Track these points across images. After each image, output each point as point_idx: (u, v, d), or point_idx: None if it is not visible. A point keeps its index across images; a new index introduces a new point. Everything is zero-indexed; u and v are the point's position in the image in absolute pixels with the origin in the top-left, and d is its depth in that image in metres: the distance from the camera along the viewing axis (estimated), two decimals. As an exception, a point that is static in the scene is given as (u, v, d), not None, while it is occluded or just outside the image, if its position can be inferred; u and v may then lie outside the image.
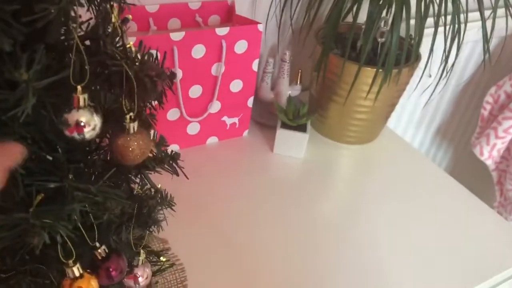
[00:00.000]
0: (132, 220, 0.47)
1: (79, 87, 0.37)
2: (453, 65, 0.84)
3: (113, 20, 0.38)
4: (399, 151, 1.03)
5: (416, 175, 0.96)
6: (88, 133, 0.39)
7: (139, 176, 0.49)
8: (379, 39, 0.93)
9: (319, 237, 0.78)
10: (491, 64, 1.04)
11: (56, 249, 0.41)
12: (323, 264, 0.74)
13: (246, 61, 0.89)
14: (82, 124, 0.38)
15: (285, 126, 0.94)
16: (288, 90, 1.03)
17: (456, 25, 0.81)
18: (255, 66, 0.91)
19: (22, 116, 0.33)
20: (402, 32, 0.84)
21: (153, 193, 0.52)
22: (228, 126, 0.96)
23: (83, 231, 0.42)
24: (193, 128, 0.92)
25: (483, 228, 0.85)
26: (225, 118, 0.94)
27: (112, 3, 0.37)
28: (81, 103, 0.38)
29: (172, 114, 0.87)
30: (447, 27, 0.83)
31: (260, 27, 0.86)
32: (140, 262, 0.51)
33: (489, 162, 1.22)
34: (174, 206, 0.64)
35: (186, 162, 0.90)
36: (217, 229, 0.77)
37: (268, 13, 1.01)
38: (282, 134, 0.94)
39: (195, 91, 0.87)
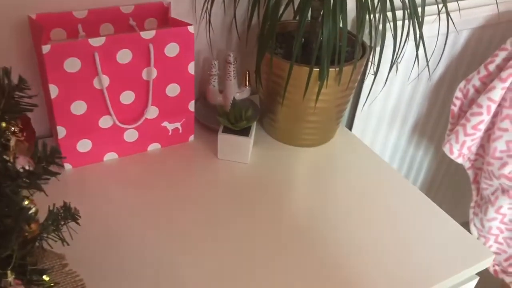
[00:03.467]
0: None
1: None
2: (392, 62, 0.79)
3: None
4: (354, 152, 0.98)
5: (370, 175, 0.91)
6: None
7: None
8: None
9: (267, 245, 0.74)
10: (430, 73, 0.98)
11: None
12: (269, 274, 0.70)
13: (181, 64, 0.86)
14: None
15: (227, 130, 0.90)
16: (236, 93, 0.99)
17: (393, 22, 0.76)
18: (191, 69, 0.87)
19: None
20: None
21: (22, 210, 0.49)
22: (171, 131, 0.93)
23: None
24: (131, 135, 0.89)
25: (433, 230, 0.80)
26: (165, 123, 0.91)
27: None
28: None
29: (104, 122, 0.84)
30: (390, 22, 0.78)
31: (191, 29, 0.83)
32: (8, 284, 0.48)
33: (460, 161, 1.15)
34: (78, 219, 0.63)
35: (127, 171, 0.88)
36: (153, 241, 0.74)
37: (202, 12, 0.97)
38: (224, 139, 0.90)
39: (127, 97, 0.84)
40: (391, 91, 1.22)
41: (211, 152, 0.94)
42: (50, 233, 0.60)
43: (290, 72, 0.79)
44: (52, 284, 0.54)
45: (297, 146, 0.98)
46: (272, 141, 0.99)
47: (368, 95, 0.91)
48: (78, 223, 0.62)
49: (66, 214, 0.61)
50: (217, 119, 0.91)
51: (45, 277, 0.54)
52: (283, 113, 0.93)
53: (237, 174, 0.89)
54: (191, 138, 0.97)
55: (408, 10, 0.76)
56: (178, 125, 0.93)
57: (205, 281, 0.68)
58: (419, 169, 1.52)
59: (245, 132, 0.91)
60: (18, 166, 0.48)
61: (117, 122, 0.85)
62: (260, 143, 0.98)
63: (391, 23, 0.76)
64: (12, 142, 0.50)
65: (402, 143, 1.39)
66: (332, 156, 0.97)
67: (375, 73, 0.78)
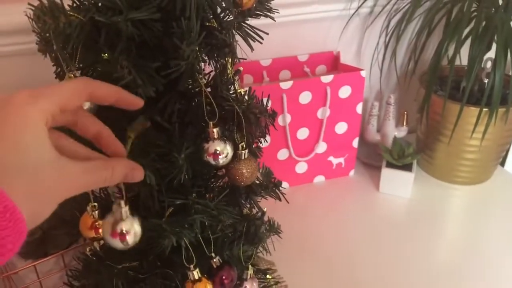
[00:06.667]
0: (242, 237, 0.56)
1: (211, 123, 0.48)
2: None
3: (228, 72, 0.48)
4: (515, 193, 0.99)
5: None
6: (222, 159, 0.49)
7: (248, 199, 0.58)
8: (485, 80, 0.94)
9: (427, 280, 0.79)
10: None
11: (180, 256, 0.50)
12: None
13: (350, 105, 0.96)
14: (217, 152, 0.48)
15: (390, 165, 0.97)
16: (394, 132, 1.06)
17: None
18: (359, 109, 0.97)
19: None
20: None
21: (259, 215, 0.60)
22: (334, 165, 1.02)
23: (202, 242, 0.52)
24: (301, 167, 1.00)
25: None
26: (331, 158, 1.01)
27: (227, 59, 0.47)
28: (215, 135, 0.48)
29: (282, 154, 0.96)
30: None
31: (363, 73, 0.93)
32: (248, 276, 0.58)
33: None
34: (280, 233, 0.73)
35: (295, 199, 0.99)
36: (321, 261, 0.82)
37: (372, 60, 1.07)
38: (387, 173, 0.97)
39: (303, 133, 0.96)
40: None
41: (371, 186, 1.01)
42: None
43: (460, 113, 0.85)
44: (272, 283, 0.64)
45: (453, 183, 1.02)
46: (427, 177, 1.04)
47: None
48: (280, 237, 0.72)
49: (270, 228, 0.72)
50: (382, 156, 0.99)
51: (268, 276, 0.64)
52: (443, 150, 0.98)
53: (398, 208, 0.95)
54: (352, 172, 1.05)
55: None
56: (341, 160, 1.02)
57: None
58: None
59: (407, 167, 0.97)
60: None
61: (293, 155, 0.96)
62: (416, 178, 1.03)
63: None
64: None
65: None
66: (491, 195, 0.98)
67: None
